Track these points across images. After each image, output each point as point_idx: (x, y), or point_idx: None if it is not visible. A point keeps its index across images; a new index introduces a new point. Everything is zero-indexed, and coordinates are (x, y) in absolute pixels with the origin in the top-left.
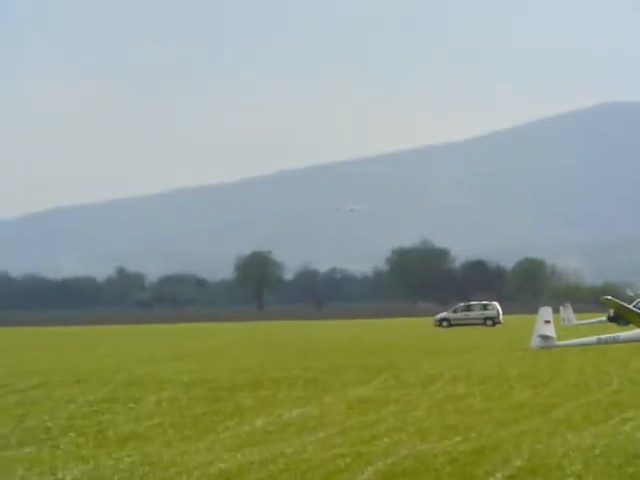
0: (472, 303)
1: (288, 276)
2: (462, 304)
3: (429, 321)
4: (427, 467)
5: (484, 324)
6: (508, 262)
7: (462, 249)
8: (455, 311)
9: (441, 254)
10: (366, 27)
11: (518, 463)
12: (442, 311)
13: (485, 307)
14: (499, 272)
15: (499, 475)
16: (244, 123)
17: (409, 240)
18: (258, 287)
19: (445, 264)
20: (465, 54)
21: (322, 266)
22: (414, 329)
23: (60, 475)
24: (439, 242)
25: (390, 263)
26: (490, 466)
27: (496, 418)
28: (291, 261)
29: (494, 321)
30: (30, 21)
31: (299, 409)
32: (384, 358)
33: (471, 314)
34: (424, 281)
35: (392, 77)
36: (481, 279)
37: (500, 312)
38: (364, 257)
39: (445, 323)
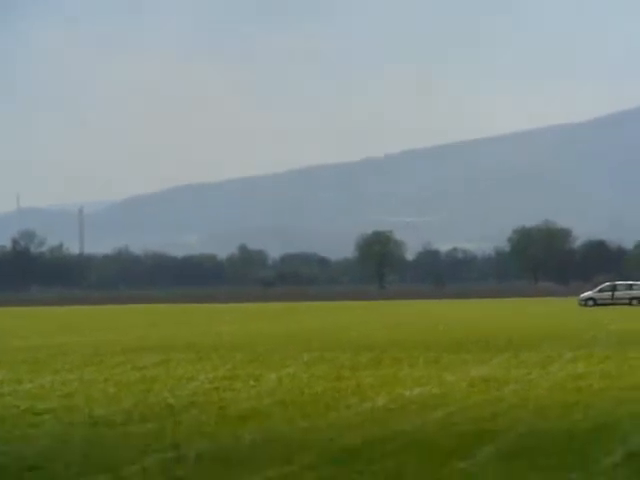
0: (618, 283)
1: (409, 256)
2: (608, 284)
3: (553, 301)
4: (547, 445)
5: (629, 304)
6: (627, 242)
7: (581, 228)
8: (601, 291)
9: (562, 234)
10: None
11: (636, 442)
12: (570, 291)
13: (631, 287)
14: (619, 252)
15: (617, 454)
16: (368, 104)
17: (529, 220)
18: (379, 266)
19: (566, 244)
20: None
21: (443, 246)
22: (535, 308)
23: (182, 451)
24: (560, 222)
25: (511, 243)
26: (608, 445)
27: (615, 397)
28: (412, 240)
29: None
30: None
31: (420, 387)
32: (505, 338)
33: (617, 294)
34: (545, 261)
35: (515, 56)
36: (601, 259)
37: None
38: (485, 237)
39: (591, 302)
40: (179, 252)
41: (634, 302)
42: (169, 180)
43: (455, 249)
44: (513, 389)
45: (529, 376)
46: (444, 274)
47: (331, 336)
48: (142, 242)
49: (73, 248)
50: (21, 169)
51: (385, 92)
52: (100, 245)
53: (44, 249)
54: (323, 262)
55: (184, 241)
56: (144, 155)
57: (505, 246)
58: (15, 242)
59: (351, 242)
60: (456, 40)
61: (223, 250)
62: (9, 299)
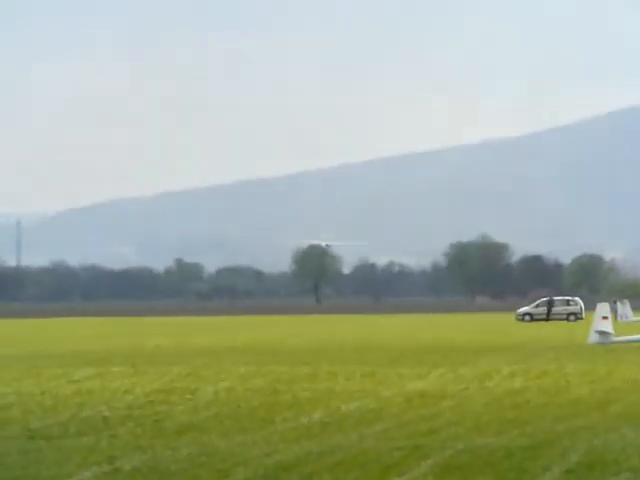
0: (555, 298)
1: (346, 270)
2: (545, 299)
3: (490, 317)
4: (484, 461)
5: (567, 319)
6: (564, 256)
7: (518, 243)
8: (538, 306)
9: (499, 249)
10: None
11: (575, 458)
12: (506, 306)
13: (568, 303)
14: (556, 267)
15: (556, 470)
16: (304, 118)
17: (467, 234)
18: (316, 280)
19: (503, 259)
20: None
21: (380, 260)
22: (474, 323)
23: (118, 464)
24: (497, 235)
25: (448, 257)
26: (547, 461)
27: (553, 413)
28: (349, 254)
29: (577, 317)
30: None
31: (357, 402)
32: (441, 353)
33: (554, 309)
34: (482, 276)
35: (447, 67)
36: (538, 274)
37: (582, 308)
38: (422, 251)
39: (528, 318)
40: (115, 264)
41: (571, 318)
42: (105, 193)
43: (392, 263)
44: (450, 405)
45: (466, 391)
46: (381, 288)
47: (267, 350)
48: (78, 254)
49: (10, 261)
50: None
51: (320, 107)
52: (37, 258)
53: None
54: (259, 275)
55: (120, 253)
56: (76, 169)
57: (442, 261)
58: None
59: (288, 255)
60: (392, 50)
61: (160, 262)
62: None
